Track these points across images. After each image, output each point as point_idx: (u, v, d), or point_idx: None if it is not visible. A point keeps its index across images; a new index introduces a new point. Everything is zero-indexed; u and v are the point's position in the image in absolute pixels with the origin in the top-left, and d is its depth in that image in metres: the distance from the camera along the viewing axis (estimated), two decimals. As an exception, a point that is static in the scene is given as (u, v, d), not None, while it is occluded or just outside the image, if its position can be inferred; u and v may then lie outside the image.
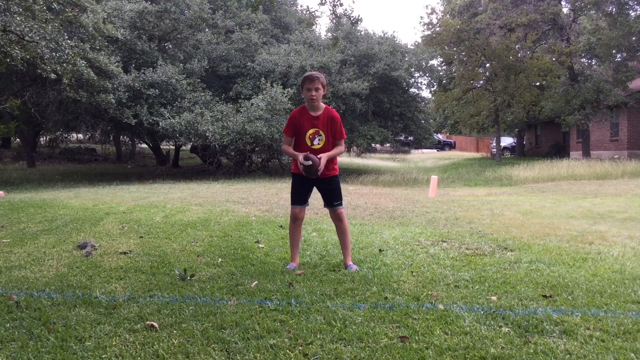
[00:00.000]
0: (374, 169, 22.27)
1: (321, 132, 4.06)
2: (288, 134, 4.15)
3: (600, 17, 23.39)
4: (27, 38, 10.49)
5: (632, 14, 22.27)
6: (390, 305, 3.15)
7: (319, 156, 3.97)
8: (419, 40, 29.96)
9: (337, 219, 4.21)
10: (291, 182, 4.29)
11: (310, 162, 3.89)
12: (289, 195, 4.44)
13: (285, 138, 4.19)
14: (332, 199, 4.17)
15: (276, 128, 15.45)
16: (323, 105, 4.14)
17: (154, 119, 15.69)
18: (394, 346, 2.55)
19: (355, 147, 21.35)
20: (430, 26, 29.87)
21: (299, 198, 4.21)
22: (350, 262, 4.17)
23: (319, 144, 4.07)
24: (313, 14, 25.29)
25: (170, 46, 19.14)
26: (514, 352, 2.48)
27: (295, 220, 4.22)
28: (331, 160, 4.13)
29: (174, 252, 4.75)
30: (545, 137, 33.52)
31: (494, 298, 3.32)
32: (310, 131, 4.05)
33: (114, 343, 2.58)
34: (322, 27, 69.85)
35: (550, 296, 3.36)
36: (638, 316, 2.97)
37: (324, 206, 4.30)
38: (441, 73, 32.01)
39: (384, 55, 18.77)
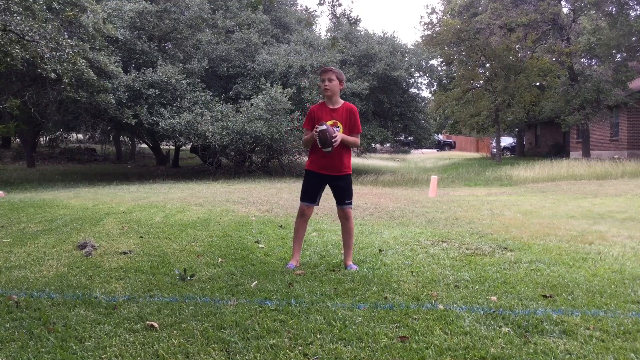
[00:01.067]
0: (374, 169, 22.27)
1: (339, 124, 4.14)
2: (307, 128, 4.19)
3: (600, 17, 23.39)
4: (27, 37, 10.48)
5: (632, 14, 22.27)
6: (390, 305, 3.15)
7: (335, 133, 4.02)
8: (419, 40, 29.95)
9: (345, 218, 4.25)
10: (303, 179, 4.32)
11: (324, 127, 3.95)
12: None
13: (306, 132, 4.23)
14: (344, 197, 4.22)
15: (276, 128, 15.45)
16: (342, 101, 4.24)
17: (154, 119, 15.68)
18: (394, 346, 2.55)
19: (355, 147, 21.35)
20: (430, 26, 29.88)
21: (309, 196, 4.24)
22: (350, 262, 4.18)
23: None
24: (312, 14, 25.28)
25: (170, 46, 19.14)
26: (514, 352, 2.48)
27: (302, 216, 4.26)
28: (348, 156, 4.23)
29: (174, 252, 4.75)
30: (545, 137, 33.53)
31: (494, 298, 3.32)
32: (329, 123, 4.12)
33: (114, 343, 2.58)
34: (322, 27, 69.85)
35: (550, 296, 3.36)
36: (638, 316, 2.97)
37: (336, 205, 4.33)
38: (441, 73, 32.01)
39: (384, 55, 18.77)
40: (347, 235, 4.26)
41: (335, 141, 3.98)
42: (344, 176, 4.20)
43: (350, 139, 4.14)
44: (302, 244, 4.41)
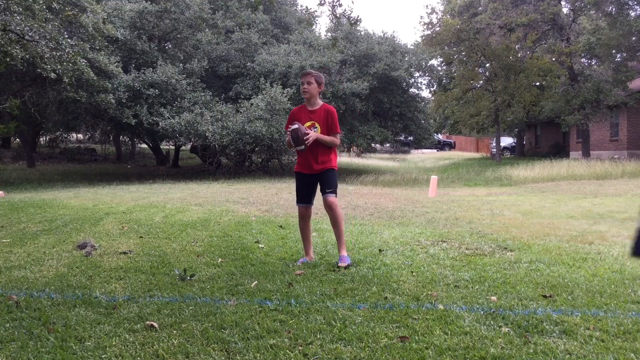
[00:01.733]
0: (374, 169, 22.27)
1: (317, 125, 4.28)
2: (287, 130, 4.31)
3: (600, 17, 23.38)
4: (27, 37, 10.48)
5: (632, 13, 22.26)
6: (390, 305, 3.15)
7: (309, 131, 4.17)
8: (419, 40, 29.94)
9: (328, 207, 4.32)
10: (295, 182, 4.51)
11: (296, 126, 4.14)
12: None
13: (287, 134, 4.36)
14: (325, 187, 4.31)
15: (276, 128, 15.44)
16: (321, 102, 4.39)
17: (154, 119, 15.68)
18: (394, 346, 2.55)
19: (355, 147, 21.35)
20: (430, 26, 29.85)
21: (301, 197, 4.41)
22: (343, 253, 4.26)
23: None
24: (312, 14, 25.24)
25: (170, 46, 19.14)
26: (514, 352, 2.48)
27: (302, 218, 4.43)
28: (326, 154, 4.30)
29: (174, 252, 4.75)
30: (545, 137, 33.52)
31: (494, 298, 3.32)
32: (307, 124, 4.28)
33: (114, 343, 2.58)
34: (322, 27, 69.80)
35: (550, 296, 3.36)
36: (638, 316, 2.97)
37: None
38: (441, 73, 32.00)
39: (383, 55, 18.76)
40: (334, 225, 4.34)
41: (308, 140, 4.10)
42: (325, 171, 4.30)
43: (328, 138, 4.26)
44: (311, 241, 4.51)
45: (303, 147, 4.16)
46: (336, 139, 4.32)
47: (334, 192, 4.31)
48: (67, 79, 11.95)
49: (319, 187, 4.40)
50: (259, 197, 9.15)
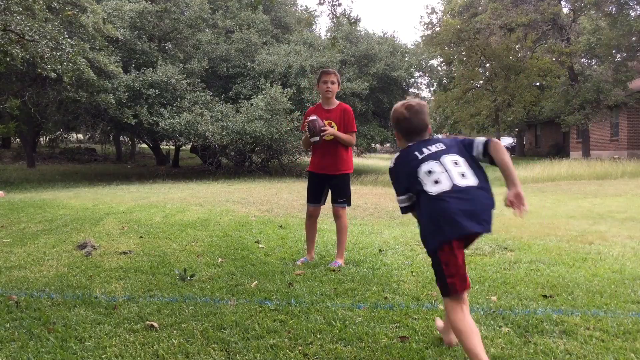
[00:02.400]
0: (374, 169, 22.26)
1: (333, 124, 4.25)
2: (304, 129, 4.31)
3: (600, 17, 23.41)
4: (27, 37, 10.48)
5: (632, 13, 22.28)
6: (390, 305, 3.15)
7: (327, 126, 4.15)
8: (419, 40, 29.97)
9: (336, 216, 4.33)
10: (307, 181, 4.51)
11: (314, 117, 4.13)
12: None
13: (304, 134, 4.36)
14: (337, 196, 4.31)
15: (276, 128, 15.45)
16: (337, 102, 4.35)
17: (154, 119, 15.69)
18: (394, 346, 2.55)
19: (355, 147, 21.38)
20: (430, 26, 29.90)
21: (312, 196, 4.39)
22: (338, 259, 4.25)
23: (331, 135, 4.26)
24: (312, 13, 25.26)
25: (170, 46, 19.15)
26: (514, 352, 2.48)
27: (310, 217, 4.41)
28: (341, 154, 4.28)
29: (174, 252, 4.75)
30: (545, 137, 33.54)
31: (494, 298, 3.31)
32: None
33: (114, 343, 2.58)
34: (322, 27, 69.84)
35: (550, 296, 3.36)
36: (638, 316, 2.97)
37: (332, 203, 4.42)
38: (441, 73, 32.01)
39: (384, 55, 18.77)
40: (338, 233, 4.35)
41: (324, 133, 4.09)
42: (341, 175, 4.29)
43: (344, 136, 4.23)
44: (314, 242, 4.51)
45: (318, 138, 4.13)
46: (352, 138, 4.29)
47: (347, 202, 4.32)
48: (67, 79, 11.95)
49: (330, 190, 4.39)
50: (259, 197, 9.14)
